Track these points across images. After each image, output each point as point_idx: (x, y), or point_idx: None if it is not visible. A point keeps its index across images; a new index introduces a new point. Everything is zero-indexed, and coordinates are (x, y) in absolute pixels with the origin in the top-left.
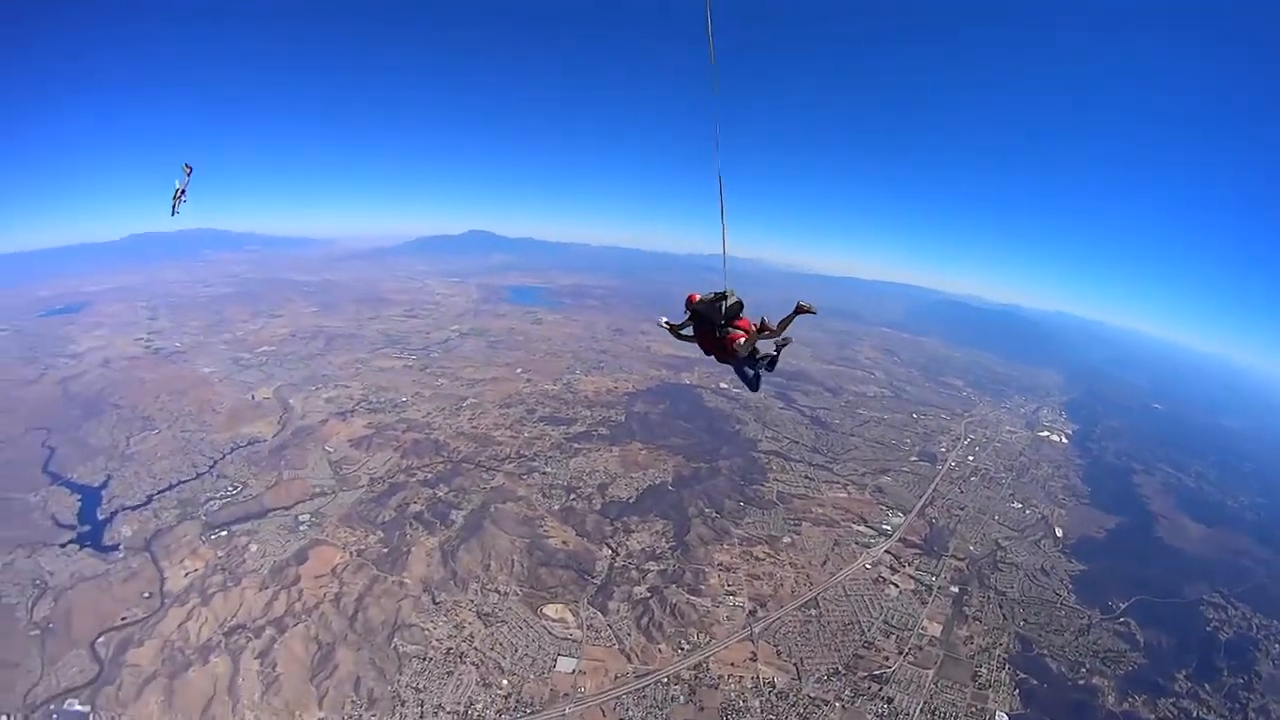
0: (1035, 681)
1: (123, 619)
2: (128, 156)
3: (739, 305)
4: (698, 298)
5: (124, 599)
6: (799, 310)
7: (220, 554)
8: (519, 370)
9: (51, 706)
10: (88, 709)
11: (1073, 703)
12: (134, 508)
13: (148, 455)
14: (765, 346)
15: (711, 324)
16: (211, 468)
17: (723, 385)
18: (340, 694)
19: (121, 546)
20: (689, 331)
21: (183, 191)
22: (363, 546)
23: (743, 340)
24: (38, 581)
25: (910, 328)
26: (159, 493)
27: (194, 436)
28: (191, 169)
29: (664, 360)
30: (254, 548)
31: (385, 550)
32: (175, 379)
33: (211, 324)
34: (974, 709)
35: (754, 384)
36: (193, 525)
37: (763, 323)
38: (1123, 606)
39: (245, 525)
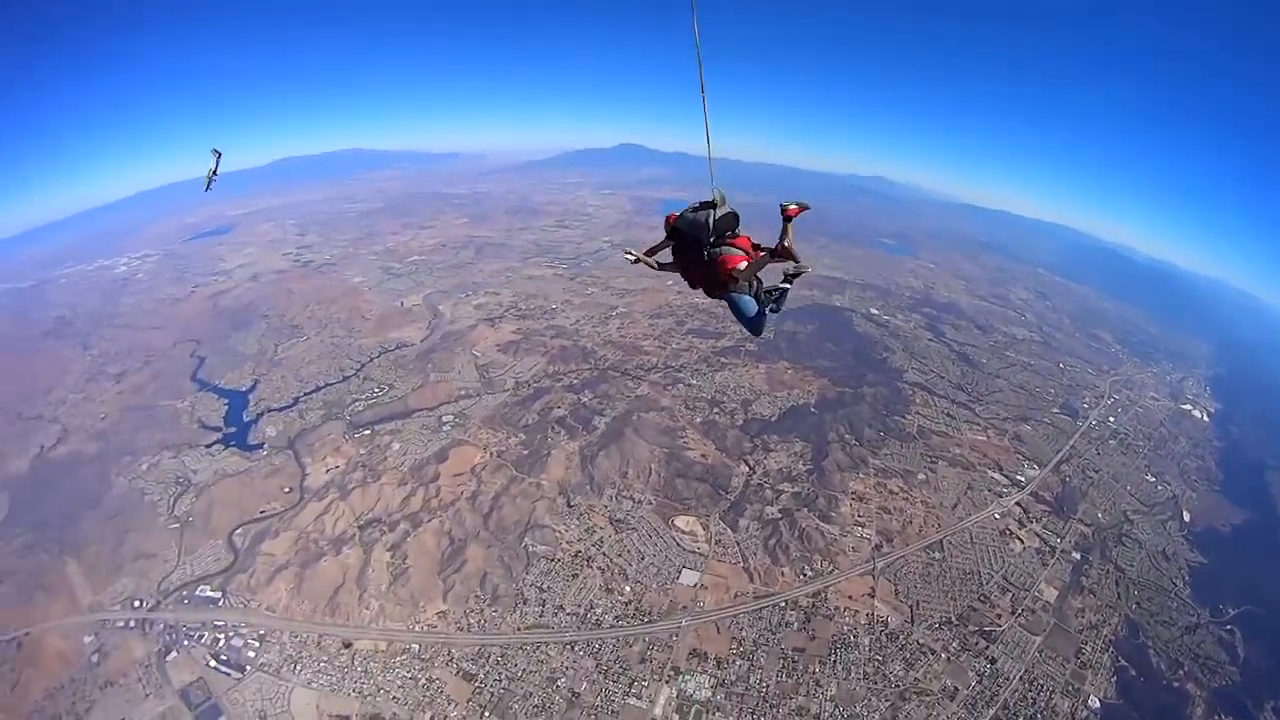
0: (1134, 672)
1: (261, 512)
2: (275, 83)
3: (733, 217)
4: (676, 216)
5: (264, 494)
6: (787, 214)
7: (362, 452)
8: (669, 282)
9: (184, 593)
10: (219, 595)
11: (1163, 705)
12: (280, 409)
13: (295, 361)
14: (770, 278)
15: (698, 245)
16: (358, 371)
17: (874, 311)
18: (466, 588)
19: (265, 446)
20: (668, 258)
21: (214, 171)
22: (503, 448)
23: (743, 265)
24: (181, 479)
25: (1063, 271)
26: (305, 395)
27: (342, 342)
28: (220, 153)
29: (816, 280)
30: (396, 446)
31: (525, 452)
32: (324, 289)
33: (361, 237)
34: (1070, 688)
35: (757, 326)
36: (337, 425)
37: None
38: (1231, 613)
39: (389, 425)
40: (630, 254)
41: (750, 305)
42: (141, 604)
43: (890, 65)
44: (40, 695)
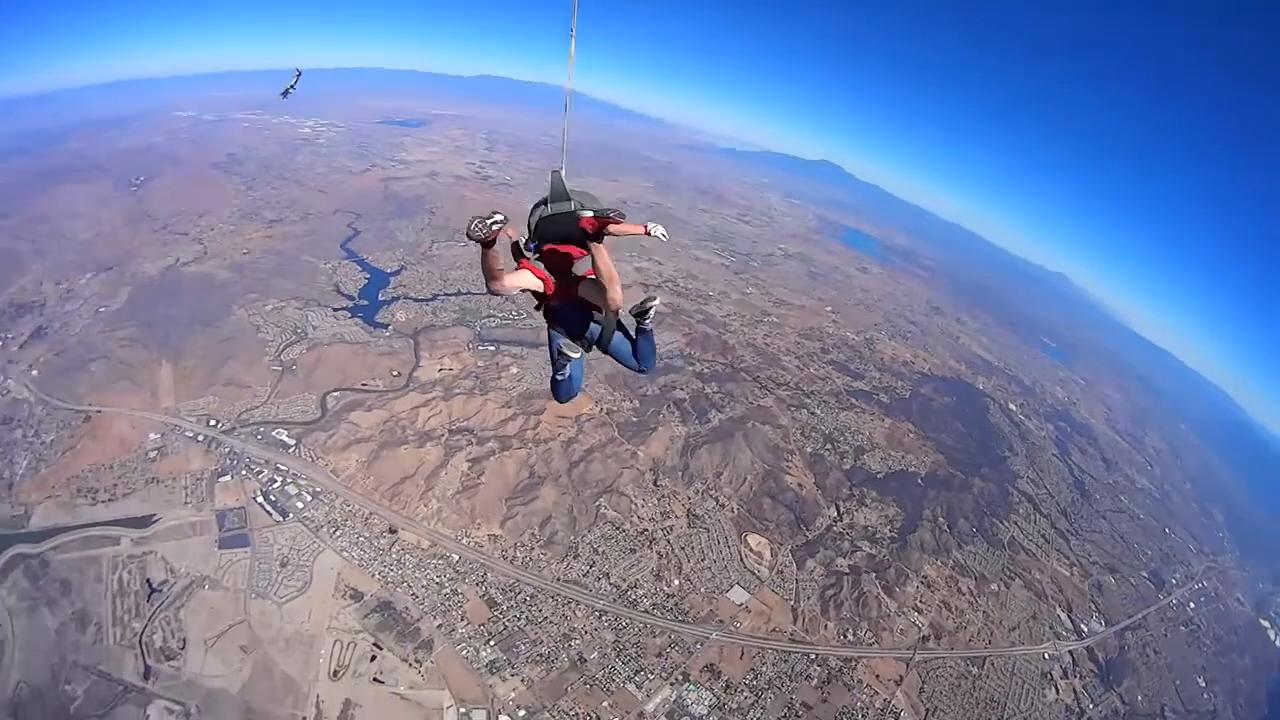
0: None
1: (363, 385)
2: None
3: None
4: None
5: (372, 370)
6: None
7: (480, 365)
8: (828, 308)
9: (261, 429)
10: (292, 443)
11: None
12: (416, 300)
13: (447, 261)
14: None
15: (564, 241)
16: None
17: (1011, 406)
18: (525, 523)
19: (390, 328)
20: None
21: (292, 86)
22: (615, 409)
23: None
24: (299, 330)
25: (1202, 433)
26: (445, 295)
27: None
28: (301, 73)
29: (969, 356)
30: (514, 370)
31: (635, 420)
32: (495, 205)
33: (545, 169)
34: None
35: (645, 357)
36: (464, 332)
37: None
38: None
39: (514, 349)
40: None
41: (624, 336)
42: (216, 424)
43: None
44: (87, 466)
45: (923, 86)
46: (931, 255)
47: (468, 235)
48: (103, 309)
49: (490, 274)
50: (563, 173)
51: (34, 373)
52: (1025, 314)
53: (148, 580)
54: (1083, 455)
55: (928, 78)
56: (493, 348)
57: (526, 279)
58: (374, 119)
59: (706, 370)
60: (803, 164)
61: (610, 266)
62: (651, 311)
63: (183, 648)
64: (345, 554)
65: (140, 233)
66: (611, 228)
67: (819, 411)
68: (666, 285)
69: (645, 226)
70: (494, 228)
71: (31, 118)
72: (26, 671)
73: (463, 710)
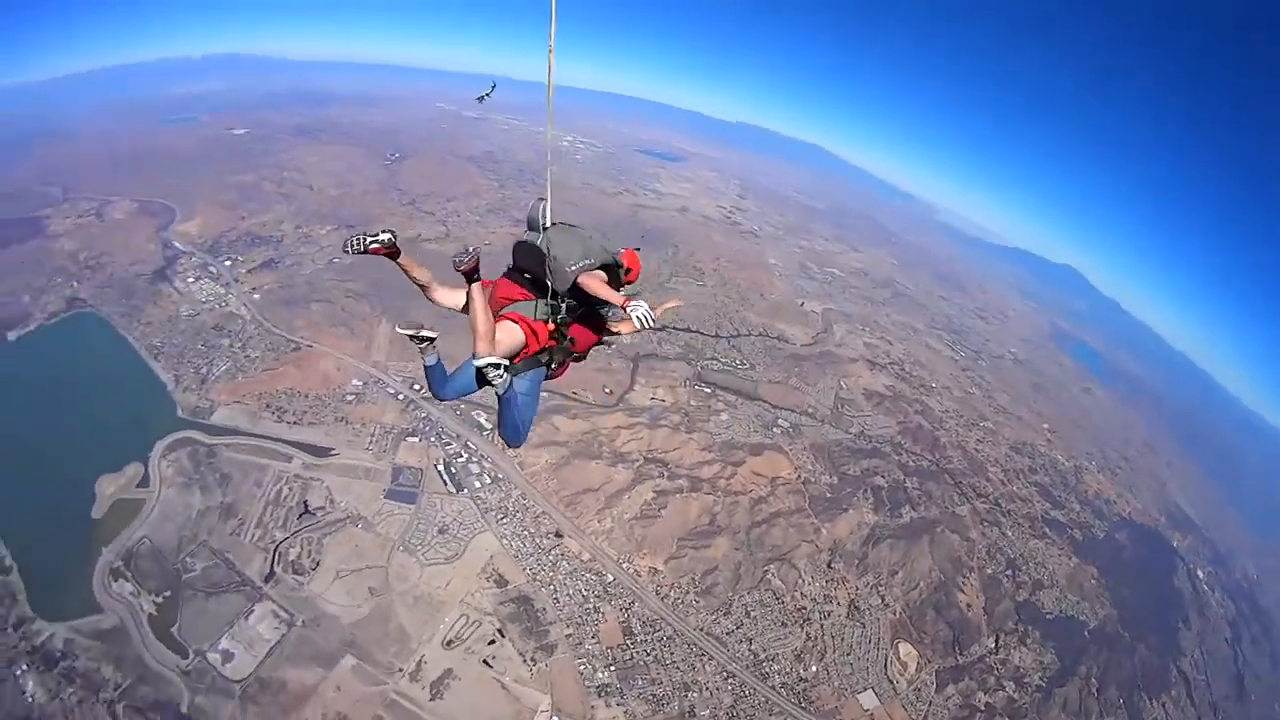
0: None
1: (574, 393)
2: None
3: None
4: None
5: (586, 383)
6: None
7: (692, 404)
8: (1045, 425)
9: (461, 405)
10: (488, 427)
11: None
12: (655, 329)
13: (687, 296)
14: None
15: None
16: (732, 337)
17: (1199, 574)
18: (689, 566)
19: (614, 347)
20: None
21: (488, 94)
22: (813, 479)
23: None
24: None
25: None
26: (674, 329)
27: (731, 305)
28: (495, 85)
29: (1170, 507)
30: (724, 416)
31: (828, 495)
32: (739, 252)
33: (794, 226)
34: None
35: (502, 426)
36: (685, 368)
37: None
38: None
39: (729, 397)
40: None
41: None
42: (420, 390)
43: None
44: (283, 388)
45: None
46: (1165, 393)
47: (344, 248)
48: (336, 260)
49: (419, 285)
50: (546, 204)
51: (255, 296)
52: (1232, 466)
53: (305, 501)
54: (1253, 646)
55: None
56: (709, 390)
57: (457, 299)
58: (631, 145)
59: (911, 463)
60: (1047, 266)
61: (477, 313)
62: (491, 376)
63: (314, 569)
64: (504, 541)
65: (386, 202)
66: (585, 283)
67: (1010, 533)
68: (892, 367)
69: (624, 300)
70: (370, 244)
71: (306, 79)
72: (155, 531)
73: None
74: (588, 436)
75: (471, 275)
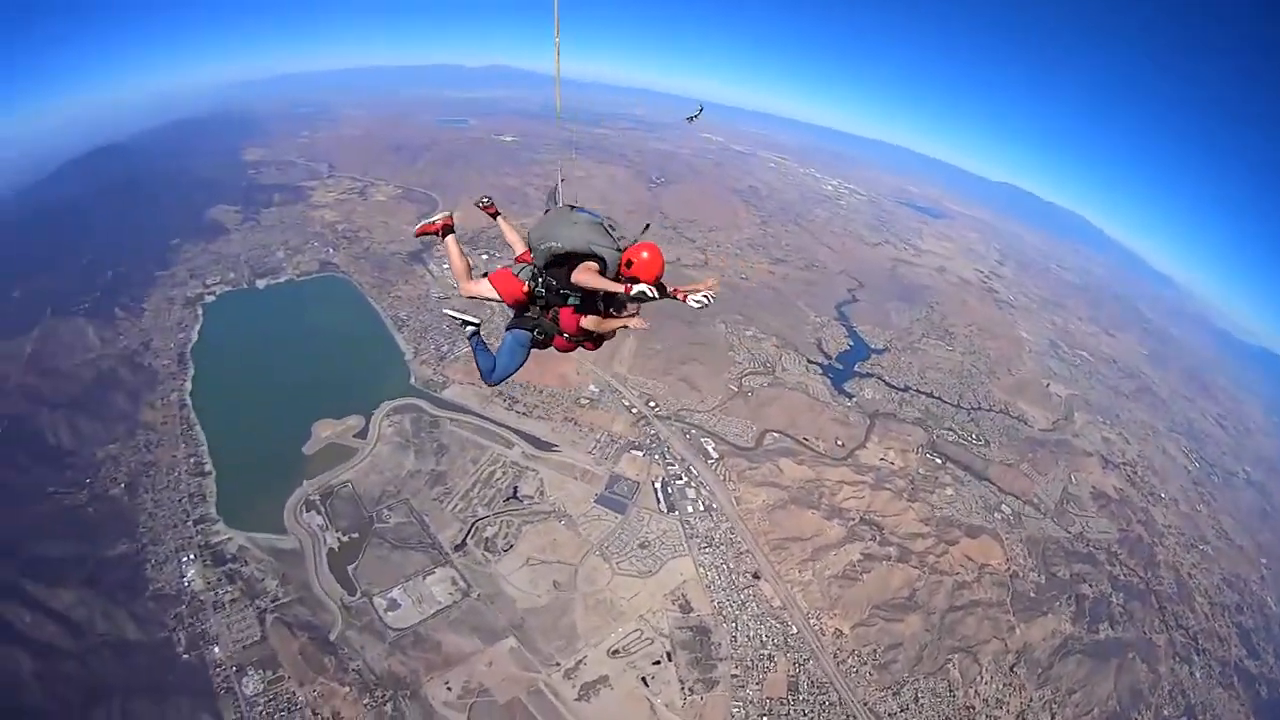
0: None
1: (805, 439)
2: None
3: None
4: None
5: (819, 430)
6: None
7: (920, 472)
8: (1263, 560)
9: (692, 430)
10: (715, 456)
11: None
12: (888, 384)
13: (930, 359)
14: None
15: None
16: (973, 409)
17: None
18: (874, 637)
19: (855, 400)
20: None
21: (696, 115)
22: (1019, 574)
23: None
24: (769, 364)
25: None
26: (915, 391)
27: (977, 374)
28: (703, 108)
29: None
30: (949, 491)
31: (1032, 594)
32: (992, 322)
33: (1049, 300)
34: None
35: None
36: (920, 434)
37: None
38: None
39: (959, 472)
40: (469, 323)
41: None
42: (655, 407)
43: None
44: (519, 380)
45: None
46: None
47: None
48: None
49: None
50: (558, 187)
51: None
52: None
53: (516, 487)
54: None
55: None
56: (939, 461)
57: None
58: (894, 196)
59: (1122, 577)
60: None
61: (453, 259)
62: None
63: (506, 550)
64: (701, 569)
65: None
66: (576, 277)
67: (1198, 675)
68: (1125, 468)
69: (627, 287)
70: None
71: (579, 96)
72: (360, 479)
73: None
74: (810, 485)
75: (492, 214)
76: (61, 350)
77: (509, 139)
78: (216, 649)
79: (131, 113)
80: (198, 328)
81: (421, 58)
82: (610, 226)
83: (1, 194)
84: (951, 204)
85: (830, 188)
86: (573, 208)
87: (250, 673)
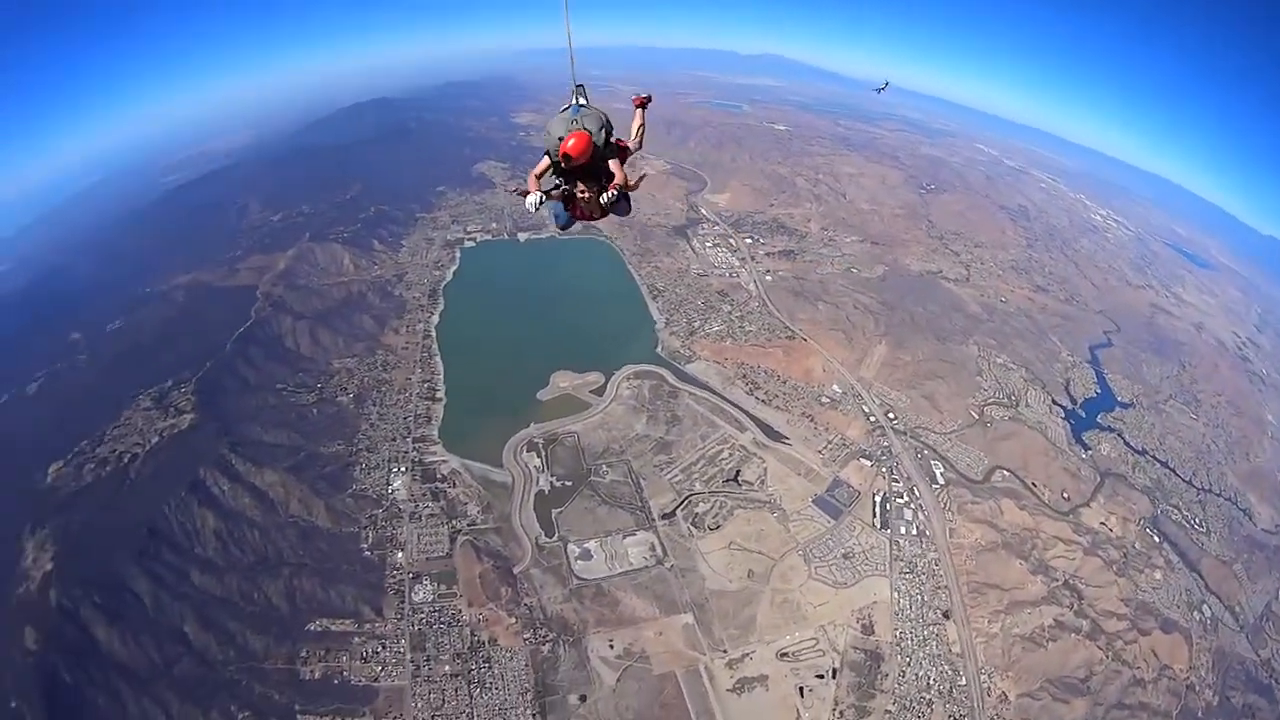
0: None
1: (1033, 483)
2: None
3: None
4: (590, 138)
5: (1049, 477)
6: (641, 103)
7: (1138, 546)
8: None
9: (925, 450)
10: (941, 481)
11: None
12: (1128, 445)
13: (1171, 423)
14: None
15: (594, 163)
16: (1203, 490)
17: None
18: (1035, 713)
19: (1090, 453)
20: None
21: (883, 88)
22: (1195, 688)
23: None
24: (1014, 396)
25: None
26: (1150, 455)
27: (1215, 452)
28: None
29: None
30: (1157, 574)
31: (1199, 714)
32: (1239, 395)
33: None
34: None
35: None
36: (1145, 503)
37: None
38: None
39: (1173, 555)
40: (529, 197)
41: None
42: (893, 419)
43: None
44: (763, 366)
45: None
46: None
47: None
48: (854, 270)
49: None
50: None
51: (768, 277)
52: None
53: (738, 471)
54: None
55: None
56: (1157, 539)
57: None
58: (1162, 236)
59: None
60: None
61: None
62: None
63: (712, 530)
64: (895, 594)
65: (914, 230)
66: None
67: None
68: None
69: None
70: (532, 203)
71: (855, 95)
72: (587, 432)
73: None
74: (1025, 533)
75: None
76: (314, 270)
77: (781, 127)
78: (400, 554)
79: (403, 72)
80: (453, 268)
81: (695, 41)
82: (574, 120)
83: (269, 136)
84: (1219, 254)
85: (1099, 217)
86: (571, 106)
87: (425, 582)
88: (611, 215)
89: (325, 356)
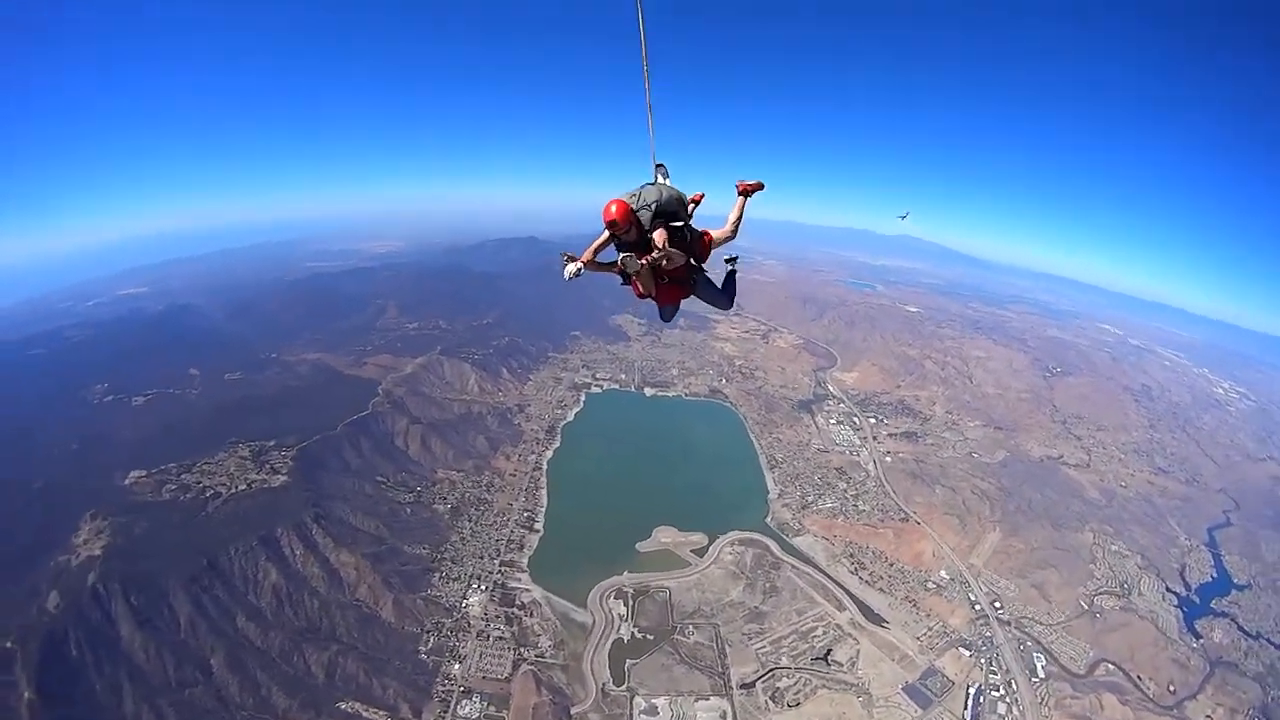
0: None
1: (1138, 677)
2: None
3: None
4: (628, 202)
5: (1155, 670)
6: (745, 191)
7: None
8: None
9: (1028, 641)
10: (1042, 676)
11: None
12: (1242, 630)
13: None
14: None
15: (678, 223)
16: None
17: None
18: None
19: (1202, 640)
20: (610, 255)
21: (904, 217)
22: None
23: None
24: (1126, 585)
25: None
26: (1265, 639)
27: None
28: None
29: None
30: None
31: None
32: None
33: None
34: None
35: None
36: (1255, 691)
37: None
38: None
39: None
40: (572, 261)
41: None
42: (1000, 608)
43: None
44: (873, 547)
45: None
46: None
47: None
48: (976, 455)
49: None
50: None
51: (887, 458)
52: None
53: (829, 649)
54: None
55: None
56: None
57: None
58: None
59: None
60: None
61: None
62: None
63: (792, 706)
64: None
65: (1038, 415)
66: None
67: None
68: None
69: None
70: (572, 271)
71: (987, 277)
72: (680, 590)
73: None
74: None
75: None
76: (439, 382)
77: (913, 309)
78: (457, 666)
79: (553, 215)
80: (576, 410)
81: (837, 219)
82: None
83: (419, 250)
84: None
85: (1221, 391)
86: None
87: (475, 699)
88: (712, 308)
89: (432, 464)
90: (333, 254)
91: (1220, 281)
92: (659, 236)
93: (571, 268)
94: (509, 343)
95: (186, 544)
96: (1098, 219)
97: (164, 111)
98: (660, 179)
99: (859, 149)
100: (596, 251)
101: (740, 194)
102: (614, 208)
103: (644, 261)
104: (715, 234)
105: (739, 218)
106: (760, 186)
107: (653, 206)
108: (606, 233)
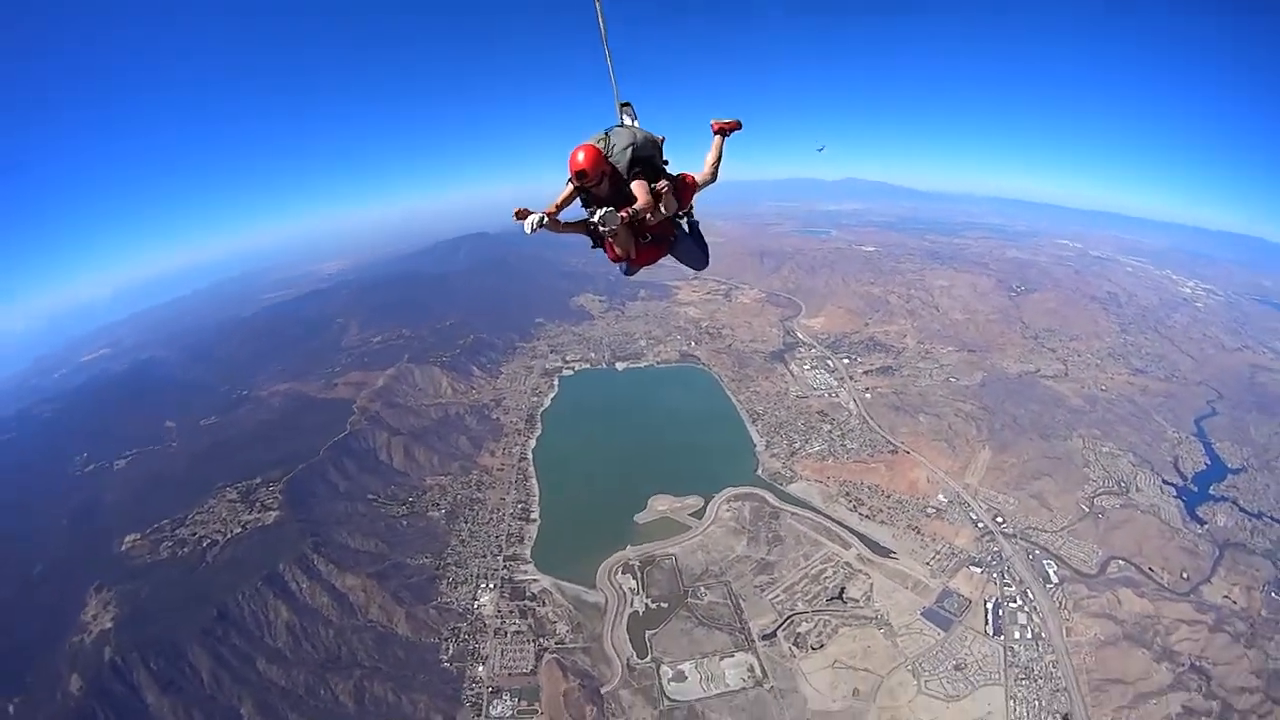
0: None
1: (1150, 568)
2: None
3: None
4: (597, 146)
5: (1166, 559)
6: (721, 129)
7: (1263, 613)
8: None
9: (1036, 551)
10: (1055, 581)
11: None
12: (1242, 510)
13: None
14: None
15: (652, 169)
16: None
17: None
18: None
19: (1207, 527)
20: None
21: (822, 149)
22: None
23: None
24: (1123, 483)
25: None
26: (1268, 517)
27: None
28: (825, 147)
29: None
30: None
31: None
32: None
33: None
34: None
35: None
36: (1267, 567)
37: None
38: None
39: None
40: (529, 218)
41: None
42: (1002, 523)
43: None
44: (867, 482)
45: None
46: None
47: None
48: (954, 380)
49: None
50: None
51: (866, 395)
52: None
53: (843, 588)
54: None
55: None
56: None
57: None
58: (1251, 294)
59: None
60: None
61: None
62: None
63: (816, 649)
64: (1011, 703)
65: (1009, 333)
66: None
67: None
68: None
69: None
70: (532, 226)
71: (934, 208)
72: (685, 555)
73: None
74: (1146, 621)
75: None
76: (412, 390)
77: (870, 248)
78: (481, 668)
79: (501, 208)
80: (552, 395)
81: (780, 171)
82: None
83: (371, 263)
84: None
85: (1188, 290)
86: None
87: (505, 697)
88: (685, 268)
89: (419, 473)
90: (285, 282)
91: (1184, 186)
92: (639, 187)
93: (534, 218)
94: (475, 340)
95: (193, 598)
96: (1043, 137)
97: (88, 172)
98: (628, 120)
99: (788, 95)
100: (561, 207)
101: (716, 133)
102: (581, 155)
103: (624, 215)
104: (696, 177)
105: (717, 159)
106: (738, 125)
107: (628, 152)
108: (572, 186)
